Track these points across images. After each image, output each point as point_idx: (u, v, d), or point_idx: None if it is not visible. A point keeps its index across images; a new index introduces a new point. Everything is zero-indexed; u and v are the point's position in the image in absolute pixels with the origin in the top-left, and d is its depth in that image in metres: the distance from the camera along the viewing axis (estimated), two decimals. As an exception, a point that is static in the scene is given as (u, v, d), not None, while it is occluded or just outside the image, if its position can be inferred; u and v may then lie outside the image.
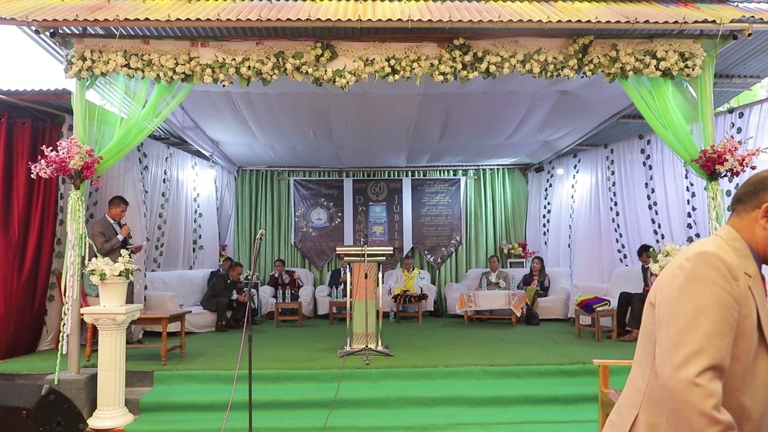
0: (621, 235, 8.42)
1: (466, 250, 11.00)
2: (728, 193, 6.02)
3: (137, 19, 4.76)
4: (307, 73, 5.11)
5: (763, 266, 1.44)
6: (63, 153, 4.74)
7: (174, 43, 5.11)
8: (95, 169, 4.89)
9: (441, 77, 5.10)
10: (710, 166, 4.93)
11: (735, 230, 1.44)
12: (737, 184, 6.02)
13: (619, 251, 8.46)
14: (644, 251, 7.08)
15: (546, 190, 10.69)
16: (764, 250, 1.42)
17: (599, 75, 5.24)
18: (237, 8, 5.06)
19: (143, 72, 5.04)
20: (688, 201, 6.99)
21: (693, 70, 5.02)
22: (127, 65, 5.02)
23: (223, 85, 5.32)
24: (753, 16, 4.82)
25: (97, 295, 5.22)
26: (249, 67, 5.06)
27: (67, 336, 4.90)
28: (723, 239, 1.42)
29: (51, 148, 4.81)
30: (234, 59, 5.06)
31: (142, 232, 7.09)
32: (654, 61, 5.01)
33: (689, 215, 6.97)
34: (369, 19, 4.80)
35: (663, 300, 1.35)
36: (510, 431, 4.45)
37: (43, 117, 6.18)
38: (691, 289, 1.30)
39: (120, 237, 6.07)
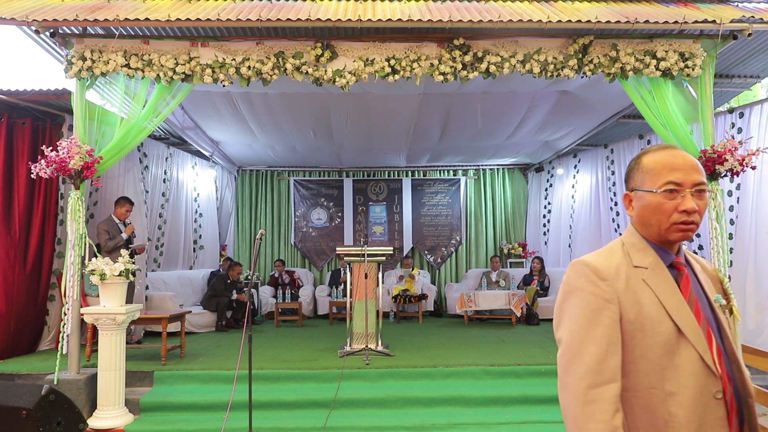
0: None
1: (466, 250, 11.00)
2: (729, 193, 6.02)
3: (137, 19, 4.76)
4: (307, 73, 5.11)
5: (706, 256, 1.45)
6: (63, 153, 4.74)
7: (174, 43, 5.11)
8: (95, 169, 4.90)
9: (441, 77, 5.10)
10: (710, 166, 4.93)
11: (632, 224, 1.45)
12: (738, 185, 6.02)
13: (620, 251, 8.44)
14: None
15: (546, 190, 10.69)
16: (649, 234, 1.39)
17: (599, 75, 5.23)
18: (237, 8, 5.06)
19: (143, 72, 5.04)
20: (689, 201, 6.97)
21: (693, 70, 5.02)
22: (127, 65, 5.02)
23: (223, 85, 5.32)
24: (753, 16, 4.82)
25: (98, 295, 5.23)
26: (249, 67, 5.06)
27: (67, 336, 4.90)
28: (621, 238, 1.43)
29: (51, 148, 4.81)
30: (234, 59, 5.06)
31: (143, 232, 7.09)
32: (654, 61, 5.00)
33: (689, 215, 6.95)
34: (369, 19, 4.80)
35: (555, 314, 1.43)
36: (510, 431, 4.46)
37: (43, 117, 6.18)
38: (569, 302, 1.37)
39: (124, 236, 6.10)
